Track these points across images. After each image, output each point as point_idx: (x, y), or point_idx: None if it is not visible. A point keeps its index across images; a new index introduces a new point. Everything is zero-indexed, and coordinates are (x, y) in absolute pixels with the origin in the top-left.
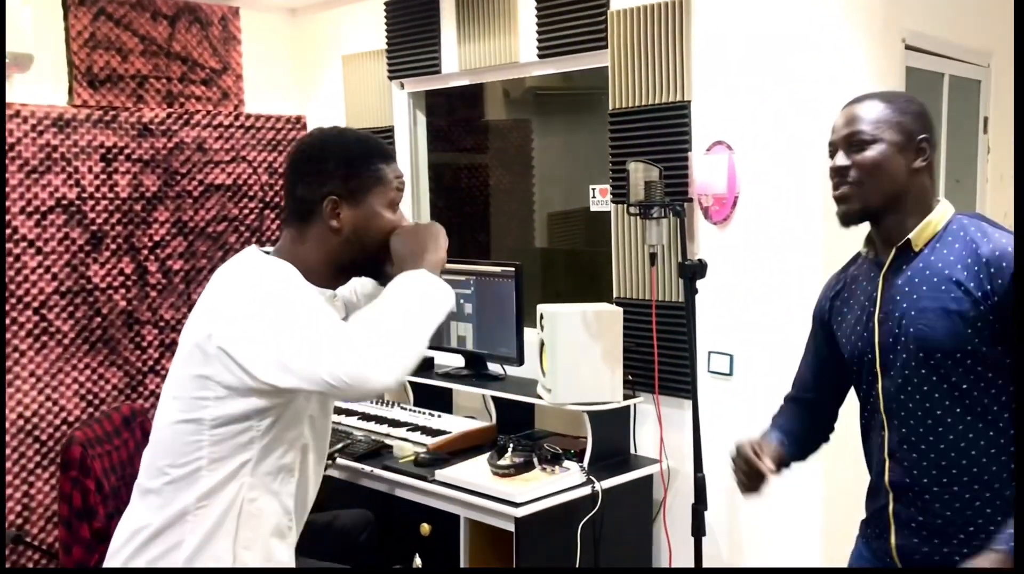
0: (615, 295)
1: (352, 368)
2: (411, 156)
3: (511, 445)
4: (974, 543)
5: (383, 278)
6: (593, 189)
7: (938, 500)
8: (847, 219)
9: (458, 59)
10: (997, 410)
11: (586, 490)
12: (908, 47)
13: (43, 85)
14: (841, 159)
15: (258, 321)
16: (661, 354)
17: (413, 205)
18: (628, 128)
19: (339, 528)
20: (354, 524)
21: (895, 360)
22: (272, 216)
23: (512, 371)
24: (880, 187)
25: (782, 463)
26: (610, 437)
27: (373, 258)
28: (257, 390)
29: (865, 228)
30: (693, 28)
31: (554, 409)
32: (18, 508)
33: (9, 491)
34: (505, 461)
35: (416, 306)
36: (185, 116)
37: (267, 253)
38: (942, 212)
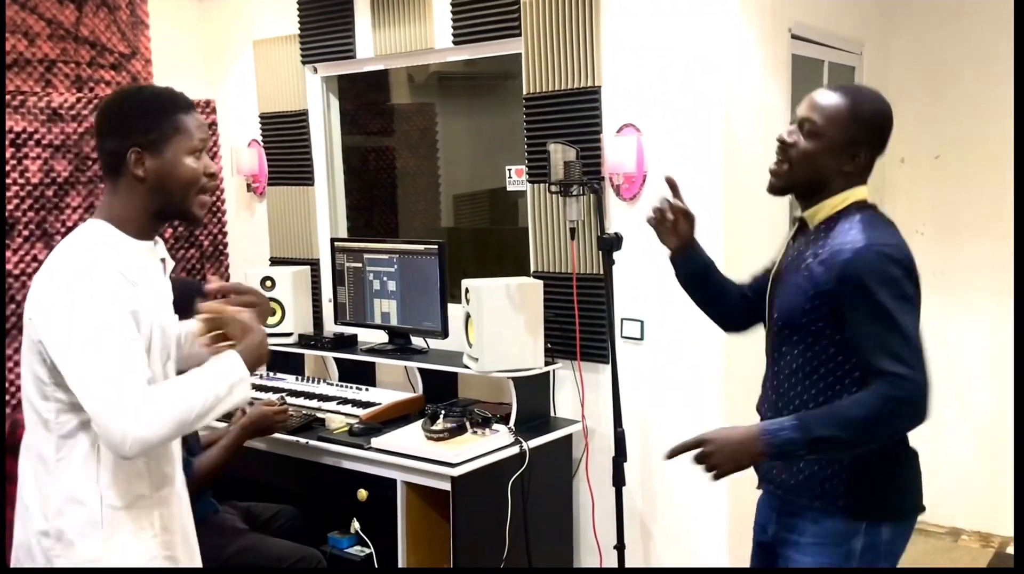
0: (533, 269)
1: (115, 428)
2: (325, 140)
3: (442, 412)
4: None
5: (192, 222)
6: (509, 170)
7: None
8: (771, 190)
9: (373, 44)
10: (835, 380)
11: (515, 450)
12: (794, 36)
13: None
14: (790, 134)
15: (61, 332)
16: (580, 323)
17: (329, 188)
18: (543, 112)
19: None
20: (273, 514)
21: (771, 314)
22: None
23: (435, 344)
24: (805, 175)
25: (690, 245)
26: (533, 401)
27: (178, 204)
28: None
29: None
30: (602, 17)
31: (477, 378)
32: None
33: None
34: (438, 426)
35: (212, 401)
36: (95, 101)
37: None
38: (842, 198)
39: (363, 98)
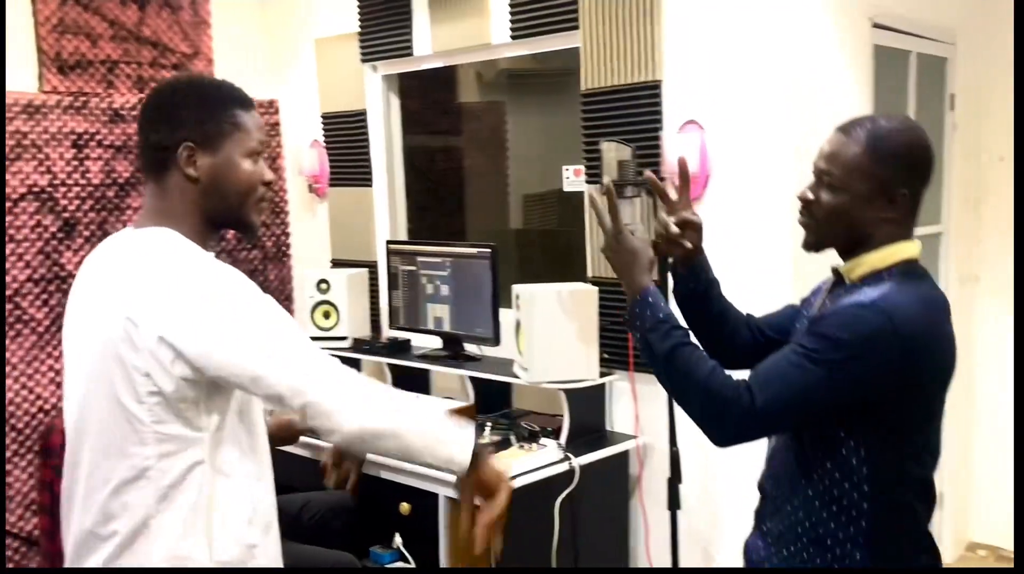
0: (589, 274)
1: (323, 395)
2: (385, 140)
3: (489, 424)
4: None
5: (249, 232)
6: (567, 170)
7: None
8: (805, 246)
9: (431, 41)
10: (851, 480)
11: (563, 466)
12: (876, 25)
13: (12, 72)
14: (808, 191)
15: (208, 306)
16: (621, 331)
17: (389, 190)
18: (601, 108)
19: (313, 513)
20: (330, 508)
21: None
22: None
23: (489, 351)
24: (836, 232)
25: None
26: (586, 414)
27: (235, 210)
28: (193, 380)
29: None
30: (664, 6)
31: (531, 388)
32: None
33: None
34: (483, 440)
35: (418, 429)
36: None
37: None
38: (886, 253)
39: (430, 97)
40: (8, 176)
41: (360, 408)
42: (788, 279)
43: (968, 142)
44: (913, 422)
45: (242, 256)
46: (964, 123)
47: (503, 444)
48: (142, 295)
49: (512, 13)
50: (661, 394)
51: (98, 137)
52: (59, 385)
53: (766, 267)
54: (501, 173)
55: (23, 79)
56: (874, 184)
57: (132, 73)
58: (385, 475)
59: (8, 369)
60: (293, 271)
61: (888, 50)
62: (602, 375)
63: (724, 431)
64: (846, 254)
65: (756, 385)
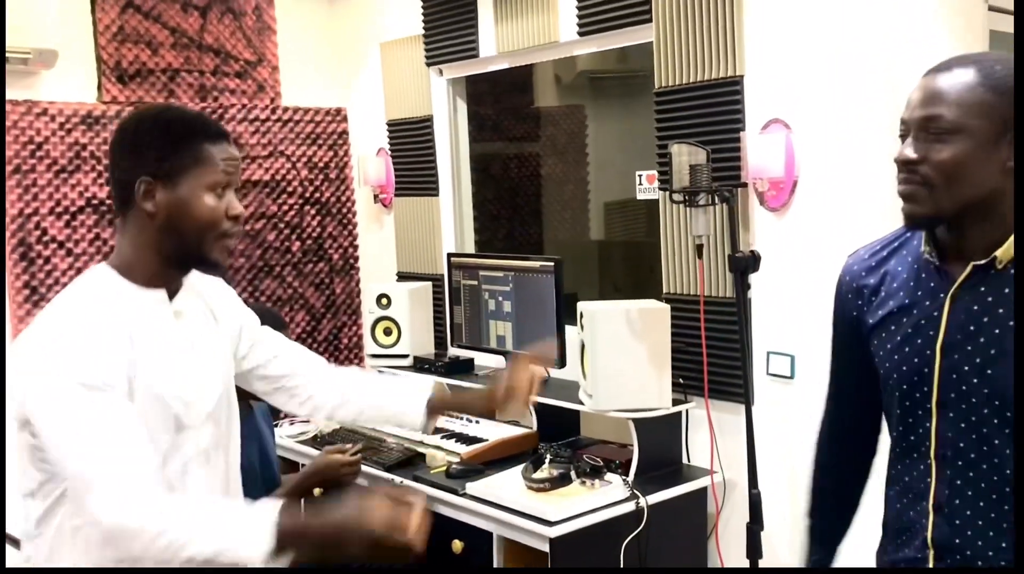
0: (664, 290)
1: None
2: (451, 146)
3: (548, 456)
4: None
5: (212, 270)
6: (640, 175)
7: (991, 564)
8: (914, 223)
9: (496, 41)
10: None
11: (630, 506)
12: (992, 8)
13: (71, 82)
14: (911, 150)
15: (45, 412)
16: (713, 355)
17: (455, 197)
18: (676, 108)
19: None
20: None
21: (959, 401)
22: (312, 212)
23: (556, 374)
24: (960, 194)
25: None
26: (659, 446)
27: (193, 247)
28: None
29: None
30: None
31: (600, 416)
32: None
33: None
34: (540, 474)
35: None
36: (219, 110)
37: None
38: None
39: (504, 102)
40: (67, 188)
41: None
42: None
43: None
44: None
45: (308, 270)
46: None
47: (562, 479)
48: (20, 352)
49: (580, 8)
50: (743, 425)
51: None
52: None
53: None
54: (581, 180)
55: (83, 89)
56: (997, 119)
57: (194, 82)
58: (439, 509)
59: None
60: (361, 285)
61: (1007, 36)
62: (676, 403)
63: None
64: (966, 228)
65: None
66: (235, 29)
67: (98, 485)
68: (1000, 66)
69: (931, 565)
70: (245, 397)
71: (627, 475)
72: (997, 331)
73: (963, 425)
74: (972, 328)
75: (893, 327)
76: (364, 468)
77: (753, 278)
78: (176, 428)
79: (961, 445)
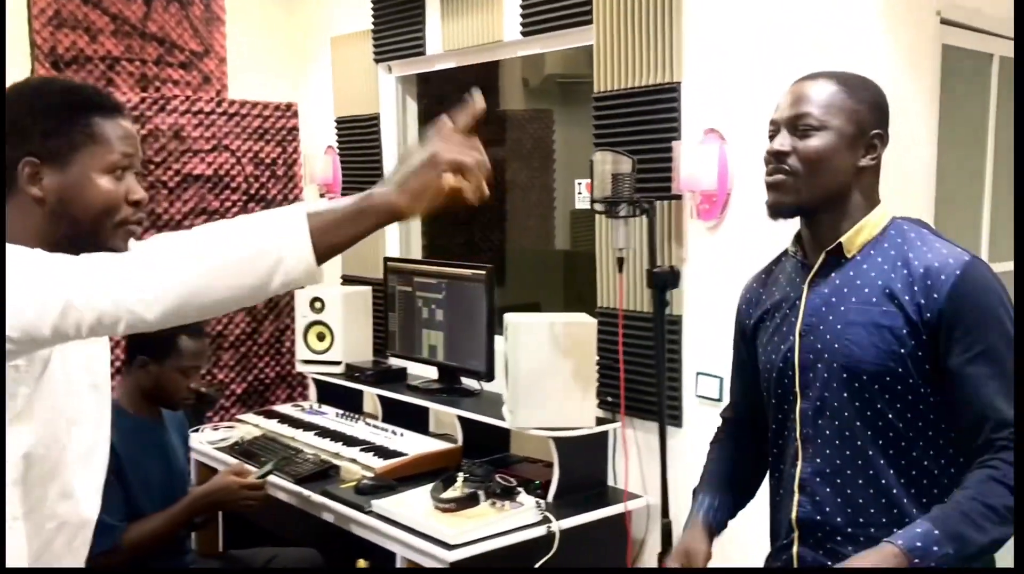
0: (598, 305)
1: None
2: (399, 147)
3: (462, 475)
4: None
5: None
6: (579, 183)
7: (851, 543)
8: (776, 211)
9: (442, 39)
10: (922, 448)
11: (541, 530)
12: (944, 21)
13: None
14: (782, 142)
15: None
16: (639, 374)
17: None
18: (614, 114)
19: (278, 568)
20: (296, 563)
21: (815, 379)
22: (257, 209)
23: (486, 386)
24: (820, 182)
25: (717, 532)
26: (582, 468)
27: (89, 236)
28: None
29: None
30: None
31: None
32: None
33: None
34: (449, 494)
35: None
36: (161, 101)
37: None
38: (880, 215)
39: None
40: None
41: (152, 282)
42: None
43: None
44: None
45: None
46: None
47: (470, 500)
48: None
49: (523, 7)
50: (674, 446)
51: None
52: None
53: None
54: (547, 187)
55: (13, 74)
56: (854, 122)
57: (135, 71)
58: (349, 526)
59: None
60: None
61: (963, 51)
62: (602, 422)
63: None
64: (819, 221)
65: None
66: (181, 18)
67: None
68: (857, 82)
69: (795, 548)
70: (154, 405)
71: (546, 497)
72: (843, 309)
73: (819, 403)
74: (824, 310)
75: (767, 322)
76: (275, 480)
77: (685, 295)
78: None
79: (819, 422)
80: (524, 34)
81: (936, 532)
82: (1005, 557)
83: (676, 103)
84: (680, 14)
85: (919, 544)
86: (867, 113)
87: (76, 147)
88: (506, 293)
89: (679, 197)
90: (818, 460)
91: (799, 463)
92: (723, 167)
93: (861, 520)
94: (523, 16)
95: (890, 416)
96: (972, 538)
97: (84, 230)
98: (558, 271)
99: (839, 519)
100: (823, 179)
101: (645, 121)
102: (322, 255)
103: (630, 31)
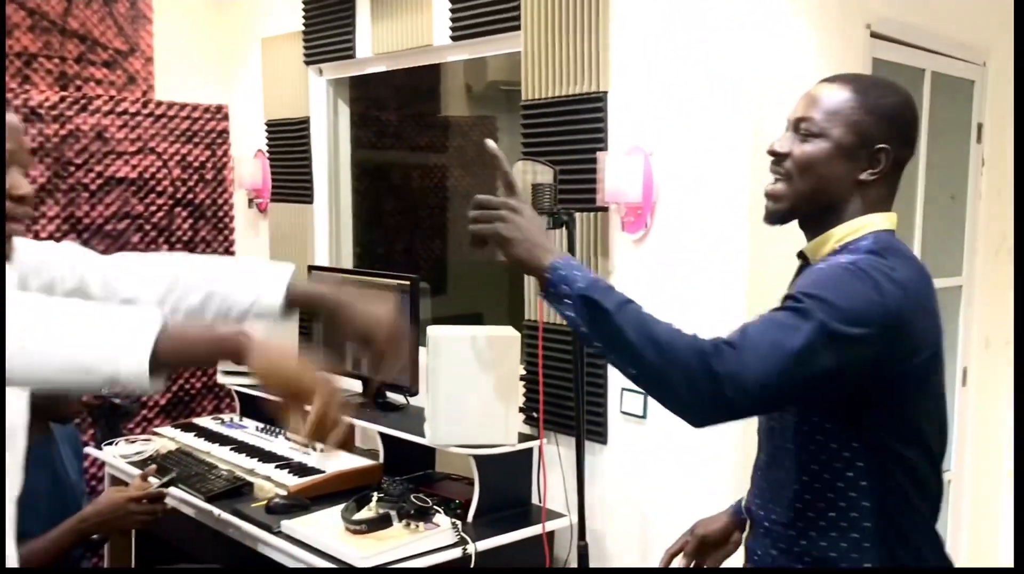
0: (526, 317)
1: None
2: (330, 152)
3: (376, 494)
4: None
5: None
6: None
7: (783, 538)
8: (770, 217)
9: (372, 42)
10: (855, 445)
11: (456, 553)
12: (875, 35)
13: None
14: (782, 143)
15: None
16: (561, 390)
17: (331, 206)
18: (541, 123)
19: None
20: None
21: None
22: (184, 214)
23: (416, 401)
24: (808, 189)
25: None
26: (503, 487)
27: None
28: None
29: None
30: (613, 5)
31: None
32: None
33: None
34: (361, 514)
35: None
36: (82, 101)
37: None
38: (853, 227)
39: (407, 108)
40: None
41: None
42: (743, 316)
43: (996, 180)
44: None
45: None
46: (994, 159)
47: (382, 521)
48: None
49: (453, 12)
50: (599, 465)
51: None
52: None
53: (718, 315)
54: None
55: None
56: (856, 132)
57: (54, 68)
58: (259, 547)
59: None
60: None
61: (894, 66)
62: (524, 439)
63: (699, 408)
64: (813, 229)
65: (735, 335)
66: (105, 15)
67: None
68: (877, 91)
69: (746, 532)
70: (43, 419)
71: (468, 518)
72: None
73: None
74: None
75: None
76: (185, 496)
77: None
78: None
79: (770, 421)
80: (454, 39)
81: (593, 278)
82: (1005, 557)
83: (603, 113)
84: (607, 22)
85: (574, 263)
86: (873, 124)
87: None
88: (448, 303)
89: (605, 209)
90: (763, 454)
91: (760, 456)
92: (648, 179)
93: (779, 509)
94: (452, 20)
95: (815, 418)
96: (602, 299)
97: None
98: (503, 281)
99: (763, 511)
100: (811, 185)
101: (572, 131)
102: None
103: (558, 38)
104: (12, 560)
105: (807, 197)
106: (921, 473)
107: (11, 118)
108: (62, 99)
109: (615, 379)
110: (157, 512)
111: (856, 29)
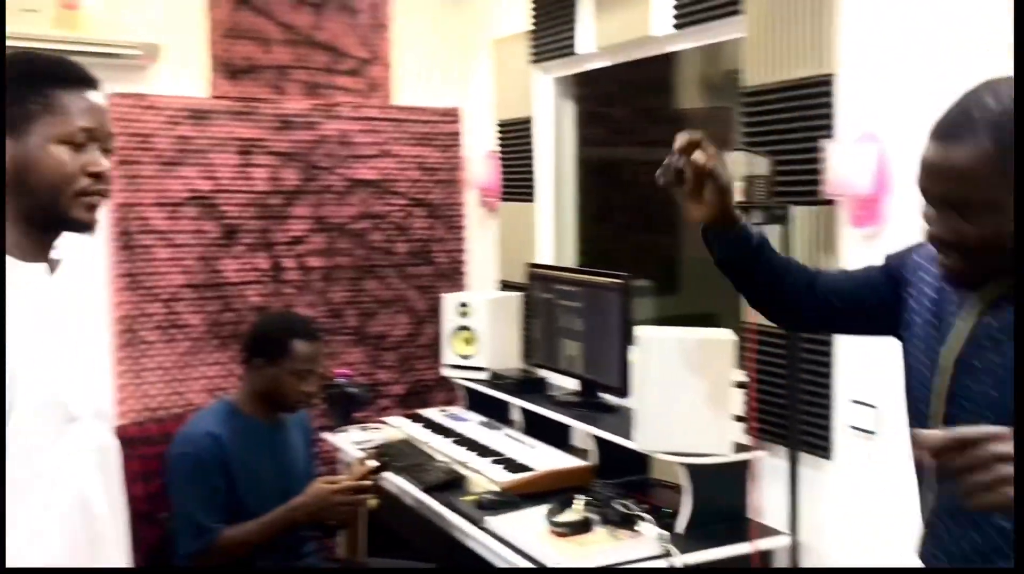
0: (742, 318)
1: None
2: (555, 149)
3: (584, 497)
4: None
5: (81, 230)
6: None
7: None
8: (958, 286)
9: (595, 37)
10: None
11: (660, 564)
12: None
13: (182, 77)
14: (942, 229)
15: None
16: (780, 398)
17: (556, 204)
18: (764, 110)
19: None
20: None
21: (959, 416)
22: (421, 214)
23: (624, 404)
24: (997, 263)
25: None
26: (717, 499)
27: (50, 208)
28: None
29: None
30: None
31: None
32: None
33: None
34: (565, 516)
35: None
36: (329, 108)
37: None
38: None
39: (638, 103)
40: (171, 181)
41: None
42: None
43: None
44: None
45: (412, 272)
46: None
47: (582, 525)
48: None
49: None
50: (824, 481)
51: (265, 144)
52: (210, 391)
53: None
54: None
55: (194, 85)
56: (1009, 180)
57: (305, 79)
58: (466, 541)
59: (160, 373)
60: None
61: None
62: (741, 450)
63: None
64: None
65: None
66: (349, 27)
67: None
68: (1006, 117)
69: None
70: (273, 410)
71: (676, 527)
72: (1006, 351)
73: None
74: (987, 346)
75: (915, 314)
76: (404, 485)
77: None
78: (67, 420)
79: None
80: (677, 27)
81: None
82: None
83: (829, 97)
84: None
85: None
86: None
87: (31, 117)
88: (679, 303)
89: (831, 202)
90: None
91: (932, 497)
92: (881, 169)
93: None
94: (676, 8)
95: None
96: None
97: (43, 200)
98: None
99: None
100: (1000, 259)
101: (795, 118)
102: None
103: (783, 19)
104: (12, 560)
105: (992, 268)
106: None
107: (96, 100)
108: (312, 107)
109: (842, 389)
110: (361, 502)
111: None
